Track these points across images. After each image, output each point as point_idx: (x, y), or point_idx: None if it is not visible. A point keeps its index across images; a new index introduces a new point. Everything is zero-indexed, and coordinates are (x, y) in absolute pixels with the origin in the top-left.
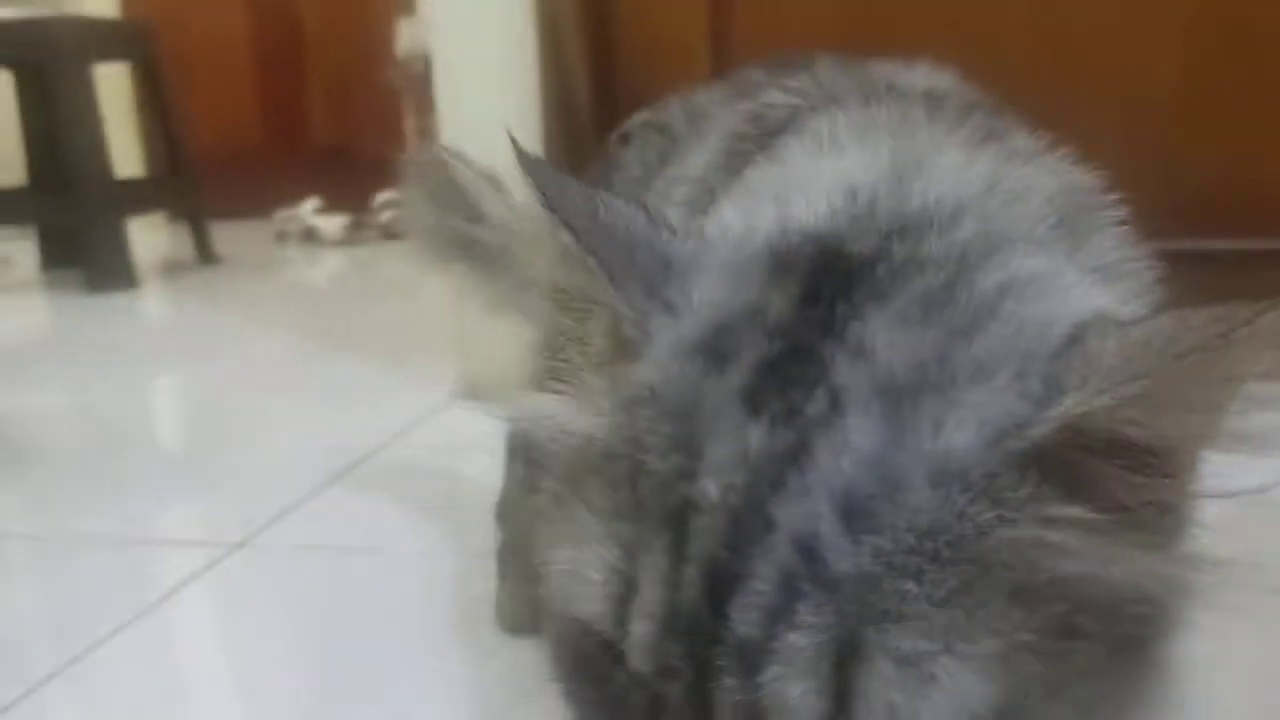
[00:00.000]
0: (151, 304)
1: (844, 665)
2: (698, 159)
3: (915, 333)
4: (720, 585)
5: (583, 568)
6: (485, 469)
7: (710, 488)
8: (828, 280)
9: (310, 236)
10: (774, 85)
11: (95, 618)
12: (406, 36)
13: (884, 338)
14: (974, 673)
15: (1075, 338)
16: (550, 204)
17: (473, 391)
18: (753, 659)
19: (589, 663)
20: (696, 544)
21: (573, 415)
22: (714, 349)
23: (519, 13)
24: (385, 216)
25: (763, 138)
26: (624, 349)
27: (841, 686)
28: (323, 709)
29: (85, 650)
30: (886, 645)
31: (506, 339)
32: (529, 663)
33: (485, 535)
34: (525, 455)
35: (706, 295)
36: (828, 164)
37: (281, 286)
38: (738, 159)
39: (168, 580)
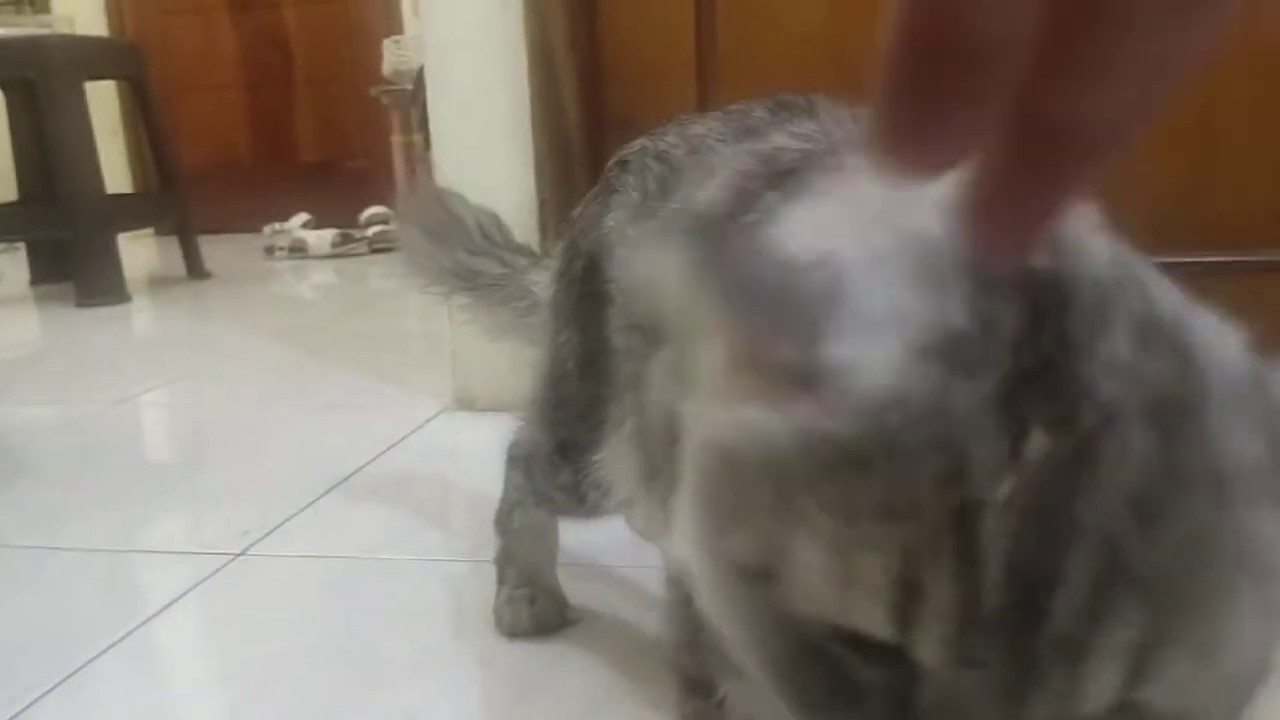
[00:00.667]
0: (142, 318)
1: (1147, 652)
2: (704, 194)
3: (1150, 355)
4: (1032, 584)
5: (853, 573)
6: (478, 478)
7: (997, 489)
8: (1044, 299)
9: (299, 250)
10: (780, 129)
11: (90, 631)
12: (391, 55)
13: (1129, 357)
14: (1239, 654)
15: (1259, 381)
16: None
17: (466, 403)
18: (1073, 652)
19: (824, 657)
20: (993, 545)
21: (798, 423)
22: (952, 358)
23: (511, 37)
24: (372, 230)
25: (774, 178)
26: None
27: (1140, 672)
28: (323, 717)
29: (80, 665)
30: (1181, 634)
31: (499, 353)
32: (529, 666)
33: (480, 542)
34: (526, 465)
35: (902, 305)
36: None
37: (271, 300)
38: (747, 196)
39: (164, 592)
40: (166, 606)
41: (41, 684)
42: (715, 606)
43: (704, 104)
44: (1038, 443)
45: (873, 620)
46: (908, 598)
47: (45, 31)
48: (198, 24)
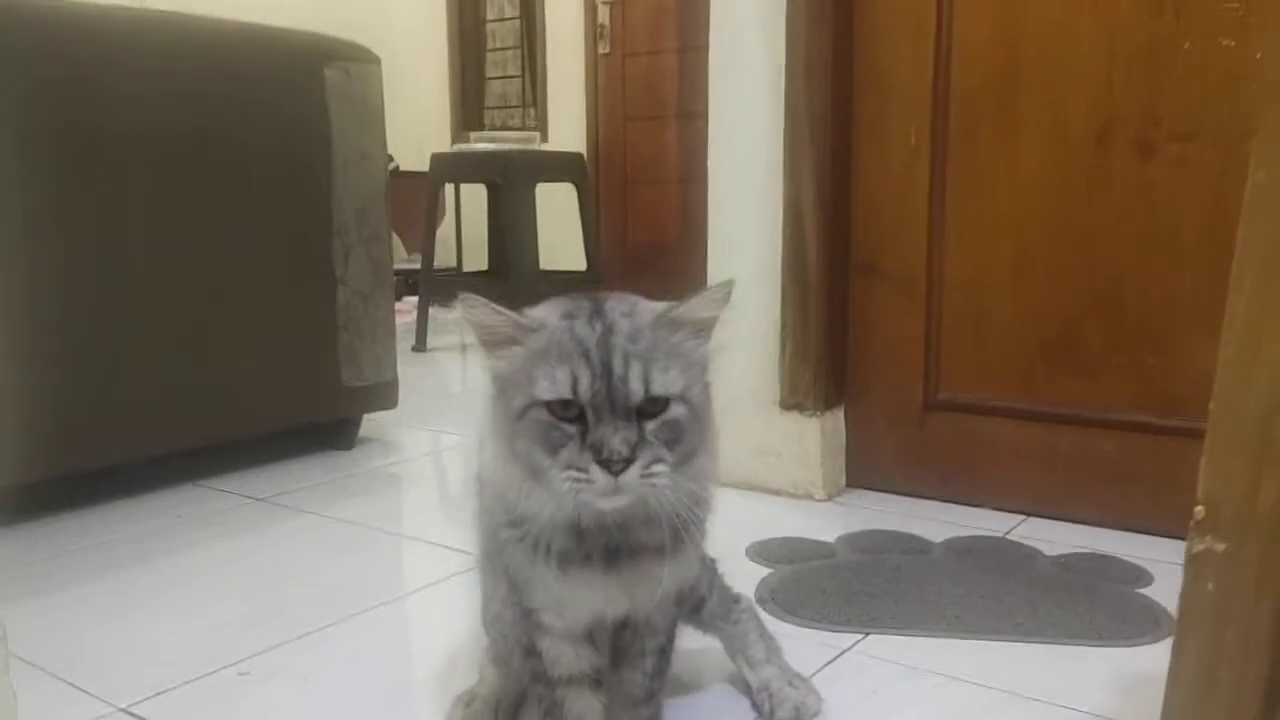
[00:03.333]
0: None
1: (648, 375)
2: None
3: (622, 307)
4: (608, 365)
5: (555, 376)
6: None
7: (593, 342)
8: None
9: None
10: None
11: None
12: None
13: (621, 308)
14: (685, 371)
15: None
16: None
17: None
18: (624, 382)
19: (550, 425)
20: (595, 358)
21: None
22: (570, 317)
23: (771, 198)
24: None
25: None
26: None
27: (647, 381)
28: None
29: None
30: (658, 369)
31: None
32: None
33: None
34: None
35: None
36: None
37: None
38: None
39: None
40: None
41: None
42: (505, 443)
43: (932, 257)
44: (598, 329)
45: (563, 390)
46: (574, 380)
47: (514, 147)
48: (651, 129)
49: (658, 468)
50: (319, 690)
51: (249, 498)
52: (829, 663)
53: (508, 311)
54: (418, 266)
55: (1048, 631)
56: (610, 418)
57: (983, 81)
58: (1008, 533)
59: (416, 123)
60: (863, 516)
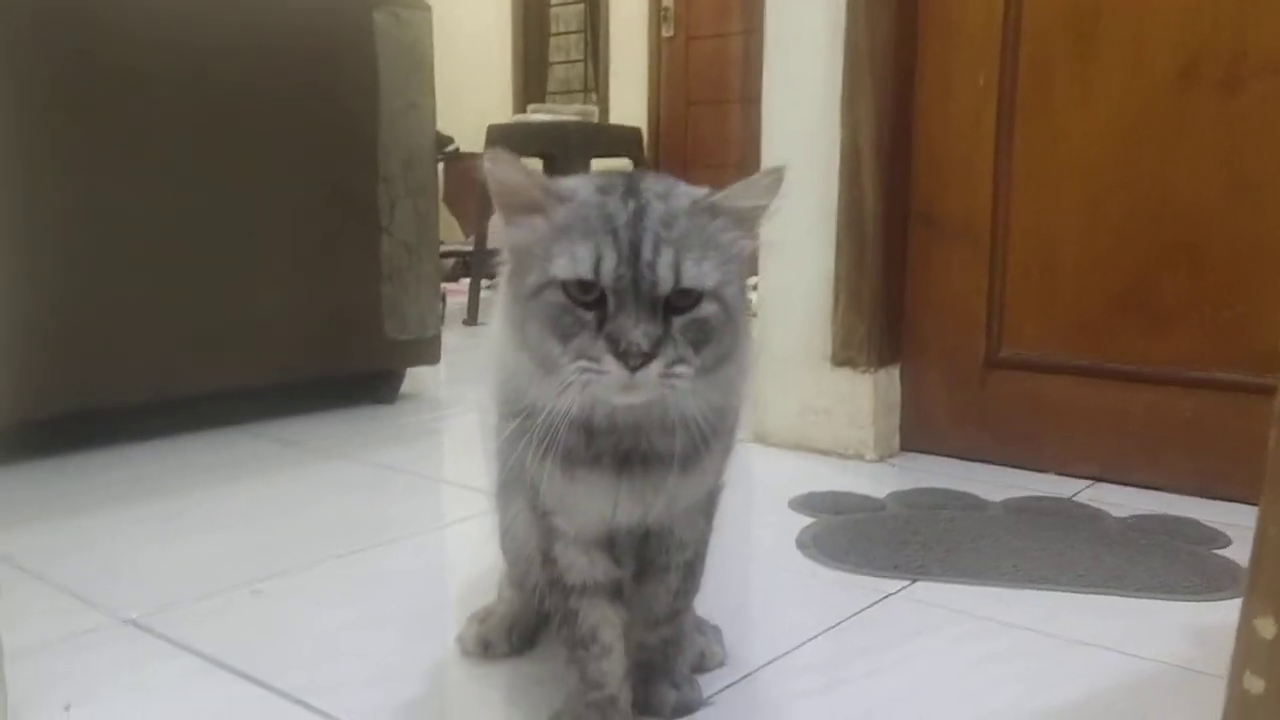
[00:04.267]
0: None
1: (679, 265)
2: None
3: (659, 184)
4: (636, 247)
5: (576, 252)
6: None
7: (622, 219)
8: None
9: None
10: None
11: None
12: None
13: (656, 186)
14: (716, 263)
15: (701, 194)
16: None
17: (761, 438)
18: (652, 268)
19: (566, 310)
20: (623, 236)
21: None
22: (604, 190)
23: (827, 142)
24: None
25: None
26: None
27: (678, 272)
28: None
29: None
30: (690, 259)
31: (792, 398)
32: None
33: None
34: None
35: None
36: None
37: None
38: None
39: None
40: None
41: None
42: (515, 327)
43: (997, 206)
44: (630, 207)
45: (584, 270)
46: (598, 259)
47: (569, 118)
48: (714, 113)
49: (680, 369)
50: (330, 609)
51: (287, 442)
52: (872, 604)
53: (537, 174)
54: (473, 249)
55: (1112, 583)
56: (633, 307)
57: (1059, 18)
58: (1073, 496)
59: (478, 106)
60: (916, 477)
